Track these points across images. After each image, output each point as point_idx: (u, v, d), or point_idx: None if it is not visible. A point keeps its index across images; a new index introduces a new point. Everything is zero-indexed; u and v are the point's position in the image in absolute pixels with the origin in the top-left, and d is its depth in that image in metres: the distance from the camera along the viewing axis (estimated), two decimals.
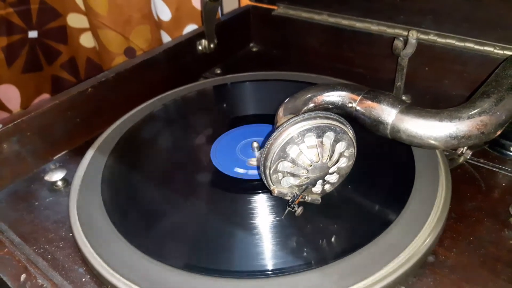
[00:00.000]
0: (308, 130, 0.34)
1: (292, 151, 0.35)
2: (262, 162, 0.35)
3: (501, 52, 0.52)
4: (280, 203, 0.39)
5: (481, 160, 0.46)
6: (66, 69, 0.91)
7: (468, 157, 0.45)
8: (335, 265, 0.33)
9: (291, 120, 0.34)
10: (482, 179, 0.44)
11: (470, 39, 0.54)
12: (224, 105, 0.58)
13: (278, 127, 0.35)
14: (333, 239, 0.36)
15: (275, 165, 0.35)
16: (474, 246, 0.36)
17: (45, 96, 0.89)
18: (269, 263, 0.34)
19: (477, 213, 0.40)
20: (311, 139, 0.34)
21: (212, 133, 0.51)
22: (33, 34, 0.83)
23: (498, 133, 0.37)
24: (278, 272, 0.33)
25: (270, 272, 0.33)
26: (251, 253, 0.35)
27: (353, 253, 0.34)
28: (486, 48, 0.53)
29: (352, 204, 0.40)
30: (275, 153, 0.34)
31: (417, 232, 0.35)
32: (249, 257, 0.35)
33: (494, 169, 0.45)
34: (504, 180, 0.44)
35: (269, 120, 0.50)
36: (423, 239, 0.35)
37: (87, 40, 0.89)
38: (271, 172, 0.35)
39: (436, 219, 0.36)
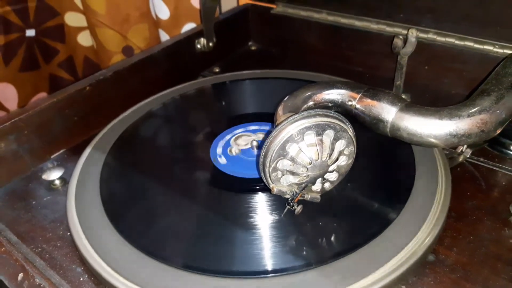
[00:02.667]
0: (308, 128, 0.34)
1: (292, 149, 0.34)
2: (262, 160, 0.35)
3: (500, 50, 0.52)
4: (279, 202, 0.39)
5: (481, 159, 0.46)
6: (64, 68, 0.90)
7: (467, 156, 0.45)
8: (335, 264, 0.33)
9: (291, 118, 0.34)
10: (482, 178, 0.44)
11: (470, 37, 0.54)
12: (223, 103, 0.58)
13: (278, 125, 0.34)
14: (332, 238, 0.36)
15: (274, 163, 0.34)
16: (474, 245, 0.36)
17: (43, 95, 0.89)
18: (268, 263, 0.33)
19: (477, 212, 0.39)
20: (311, 137, 0.34)
21: (211, 131, 0.50)
22: (30, 32, 0.82)
23: (498, 131, 0.37)
24: (277, 272, 0.33)
25: (268, 272, 0.33)
26: (249, 253, 0.34)
27: (353, 252, 0.33)
28: (485, 46, 0.53)
29: (352, 203, 0.40)
30: (275, 151, 0.34)
31: (417, 231, 0.35)
32: (247, 256, 0.34)
33: (494, 168, 0.45)
34: (504, 179, 0.43)
35: (268, 118, 0.50)
36: (423, 238, 0.34)
37: (84, 39, 0.89)
38: (270, 170, 0.35)
39: (436, 217, 0.36)
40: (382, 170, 0.43)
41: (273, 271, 0.33)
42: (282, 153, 0.34)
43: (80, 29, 0.87)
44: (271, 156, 0.34)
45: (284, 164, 0.35)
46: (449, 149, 0.46)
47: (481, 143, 0.47)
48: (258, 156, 0.38)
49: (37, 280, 0.35)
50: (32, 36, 0.83)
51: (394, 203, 0.38)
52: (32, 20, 0.82)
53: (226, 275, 0.33)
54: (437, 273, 0.34)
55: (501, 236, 0.37)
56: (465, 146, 0.44)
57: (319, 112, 0.34)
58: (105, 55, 0.85)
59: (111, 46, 0.83)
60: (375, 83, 0.43)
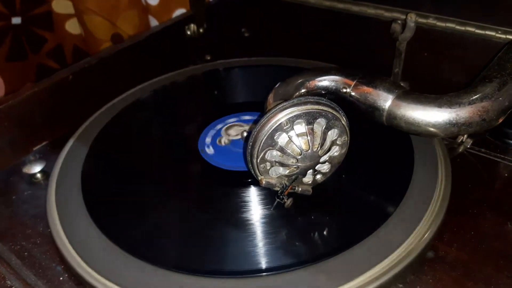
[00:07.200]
0: (298, 116, 0.32)
1: (281, 139, 0.33)
2: (249, 150, 0.34)
3: (503, 36, 0.50)
4: (268, 195, 0.37)
5: (482, 150, 0.44)
6: (52, 57, 0.88)
7: (468, 146, 0.44)
8: (329, 262, 0.32)
9: (280, 106, 0.32)
10: (484, 169, 0.42)
11: (471, 22, 0.53)
12: (215, 92, 0.57)
13: (266, 113, 0.33)
14: (326, 234, 0.34)
15: (262, 153, 0.33)
16: (475, 240, 0.35)
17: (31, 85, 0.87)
18: (258, 262, 0.32)
19: (478, 206, 0.38)
20: (301, 126, 0.33)
21: (201, 122, 0.49)
22: (16, 20, 0.80)
23: (501, 120, 0.35)
24: (268, 270, 0.31)
25: (259, 271, 0.31)
26: (236, 251, 0.33)
27: (348, 249, 0.32)
28: (487, 32, 0.51)
29: (347, 196, 0.38)
30: (263, 141, 0.33)
31: (415, 226, 0.34)
32: (235, 255, 0.33)
33: (496, 159, 0.43)
34: (507, 170, 0.42)
35: (261, 107, 0.48)
36: (422, 234, 0.33)
37: (73, 27, 0.86)
38: (258, 162, 0.33)
39: (436, 212, 0.35)
40: (379, 162, 0.42)
41: (263, 270, 0.31)
42: (271, 143, 0.33)
43: (69, 16, 0.85)
44: (259, 146, 0.33)
45: (273, 154, 0.34)
46: (449, 139, 0.45)
47: (482, 133, 0.46)
48: (245, 146, 0.36)
49: (8, 282, 0.33)
50: (18, 24, 0.80)
51: (391, 196, 0.37)
52: (18, 7, 0.79)
53: (214, 275, 0.31)
54: (436, 271, 0.33)
55: (504, 231, 0.36)
56: (465, 136, 0.43)
57: (310, 99, 0.33)
58: (94, 43, 0.83)
59: (100, 33, 0.81)
60: (372, 71, 0.41)
